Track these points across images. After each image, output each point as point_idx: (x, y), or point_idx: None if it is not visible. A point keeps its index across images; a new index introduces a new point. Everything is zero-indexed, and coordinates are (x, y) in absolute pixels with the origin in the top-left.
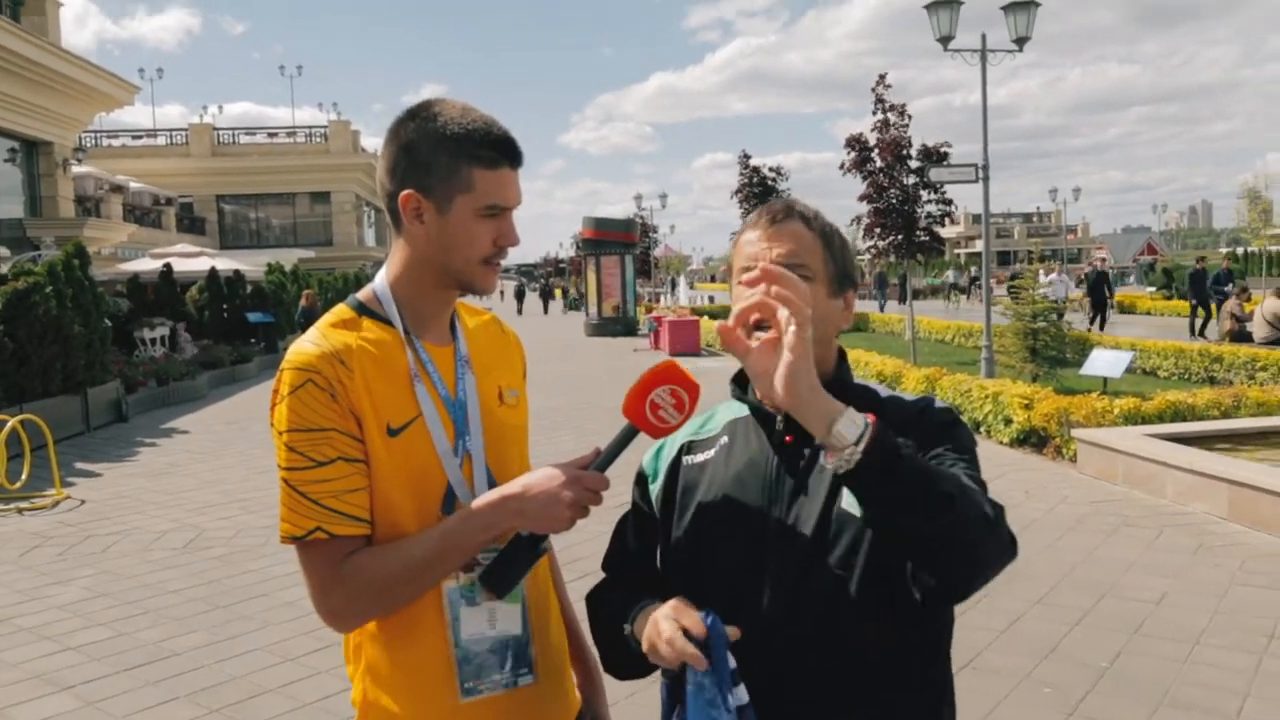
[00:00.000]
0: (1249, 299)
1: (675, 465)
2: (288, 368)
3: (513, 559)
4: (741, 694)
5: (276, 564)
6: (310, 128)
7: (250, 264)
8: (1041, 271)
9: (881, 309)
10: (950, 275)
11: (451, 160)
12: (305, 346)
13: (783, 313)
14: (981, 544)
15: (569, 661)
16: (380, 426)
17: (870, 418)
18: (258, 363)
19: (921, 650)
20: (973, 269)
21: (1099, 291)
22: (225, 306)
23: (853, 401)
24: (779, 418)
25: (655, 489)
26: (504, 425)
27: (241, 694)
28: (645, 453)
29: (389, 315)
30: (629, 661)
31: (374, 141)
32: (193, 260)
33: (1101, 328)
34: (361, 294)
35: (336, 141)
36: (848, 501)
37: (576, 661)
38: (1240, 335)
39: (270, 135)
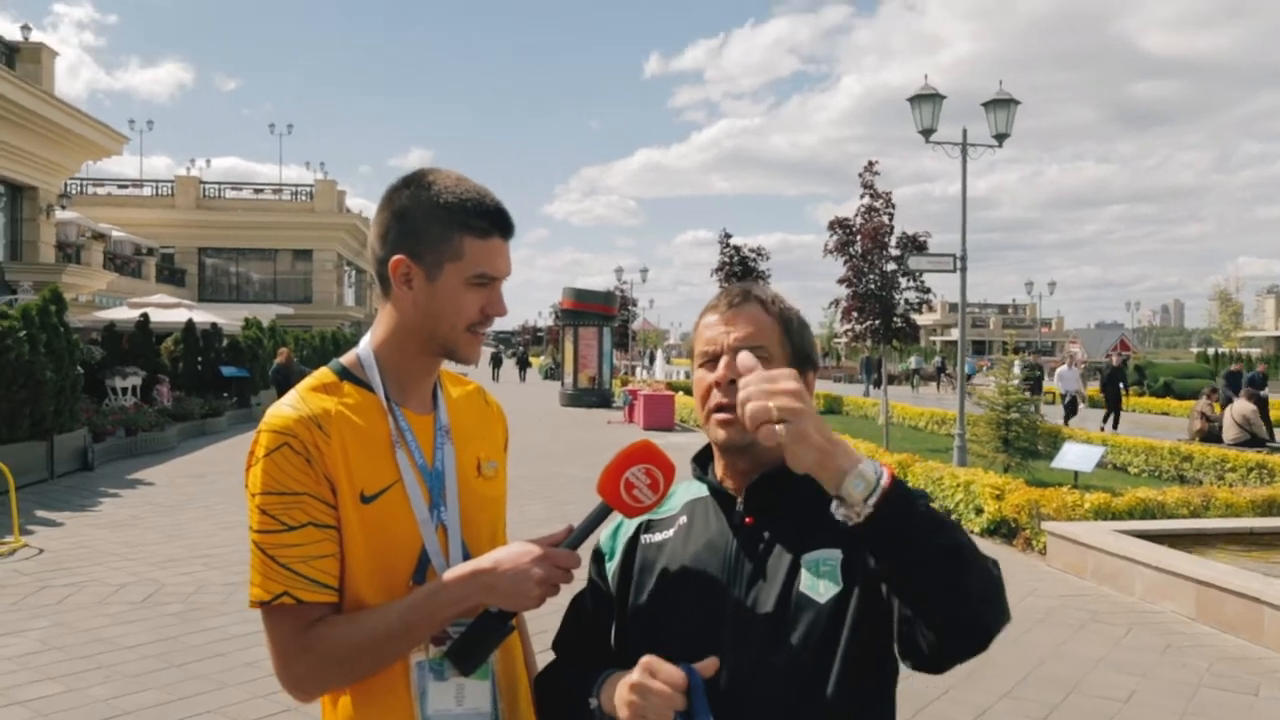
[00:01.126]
0: (1219, 400)
1: (633, 544)
2: (265, 430)
3: (481, 635)
4: None
5: (236, 622)
6: (297, 185)
7: (228, 317)
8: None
9: (866, 393)
10: (913, 362)
11: (443, 229)
12: (284, 410)
13: (768, 404)
14: (986, 607)
15: None
16: (354, 493)
17: (887, 470)
18: (229, 417)
19: None
20: (937, 358)
21: (1113, 387)
22: (200, 359)
23: (808, 486)
24: (739, 500)
25: (612, 567)
26: (480, 497)
27: None
28: (603, 530)
29: (370, 380)
30: None
31: (359, 202)
32: (170, 311)
33: (1115, 426)
34: (345, 358)
35: (322, 200)
36: (807, 584)
37: None
38: (1210, 435)
39: (256, 191)
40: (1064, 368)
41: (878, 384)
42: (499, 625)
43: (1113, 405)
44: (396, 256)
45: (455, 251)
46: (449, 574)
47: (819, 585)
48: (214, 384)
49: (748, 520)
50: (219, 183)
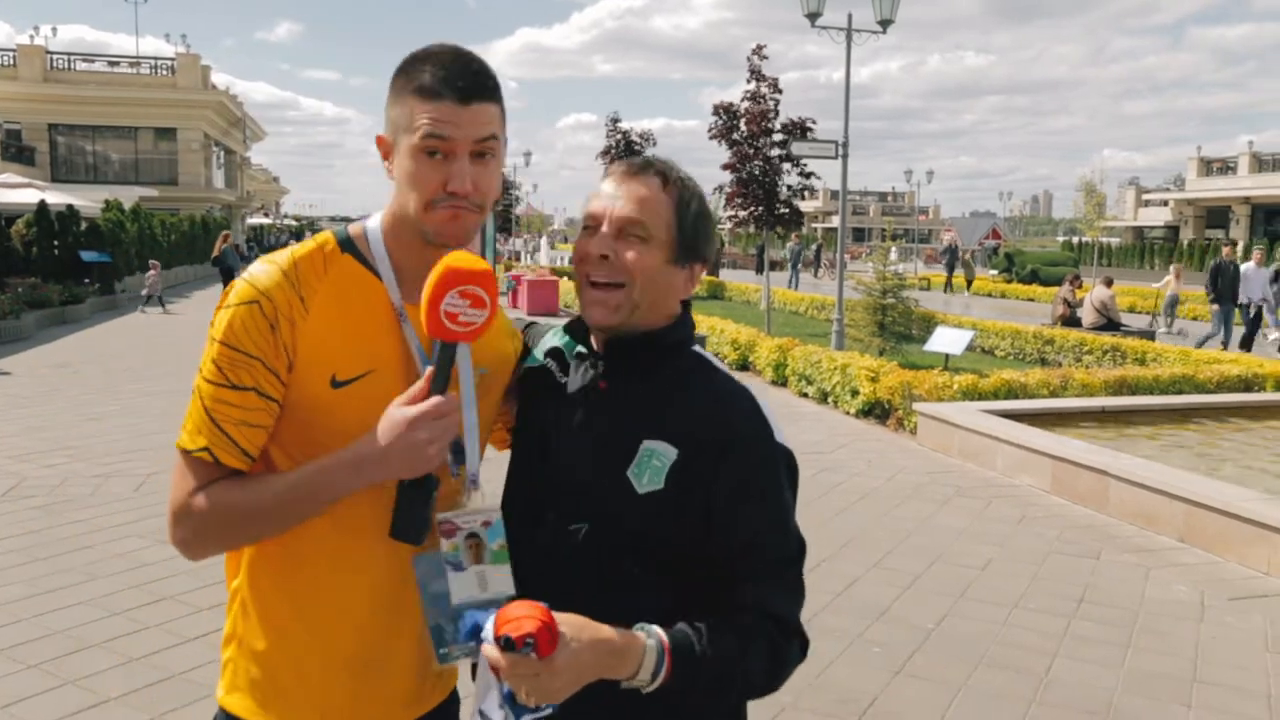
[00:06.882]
0: (1080, 286)
1: (530, 366)
2: (246, 281)
3: (408, 505)
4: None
5: (105, 514)
6: (156, 59)
7: (86, 199)
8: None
9: (794, 284)
10: (787, 250)
11: (400, 98)
12: (271, 269)
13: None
14: (768, 689)
15: None
16: (325, 376)
17: (665, 648)
18: (90, 304)
19: None
20: (813, 245)
21: None
22: (56, 243)
23: (683, 366)
24: (597, 360)
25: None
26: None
27: (62, 649)
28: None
29: (374, 260)
30: None
31: (224, 78)
32: (19, 191)
33: None
34: (352, 228)
35: (185, 76)
36: (633, 470)
37: None
38: (1070, 320)
39: (111, 64)
40: (1250, 264)
41: (759, 270)
42: (417, 492)
43: None
44: (379, 135)
45: (408, 119)
46: (336, 456)
47: (644, 476)
48: (74, 270)
49: (601, 384)
50: (68, 53)
